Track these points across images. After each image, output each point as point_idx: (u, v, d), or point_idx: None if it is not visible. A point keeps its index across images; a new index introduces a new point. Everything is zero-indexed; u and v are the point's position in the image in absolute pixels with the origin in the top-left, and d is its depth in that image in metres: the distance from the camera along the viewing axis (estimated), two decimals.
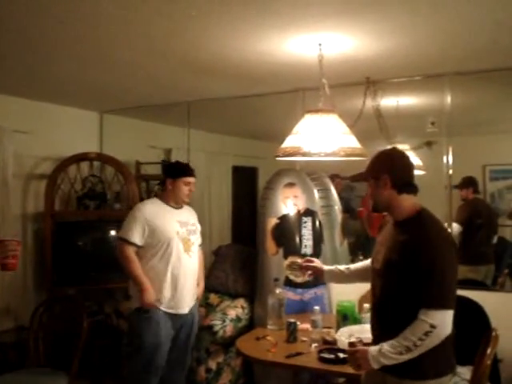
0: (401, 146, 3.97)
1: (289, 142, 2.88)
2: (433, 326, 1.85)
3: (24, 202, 4.48)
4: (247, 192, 6.35)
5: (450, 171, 3.85)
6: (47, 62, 3.34)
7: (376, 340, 2.11)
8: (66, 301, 3.86)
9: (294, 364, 2.80)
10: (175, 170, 3.28)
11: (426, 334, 1.86)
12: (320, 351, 2.77)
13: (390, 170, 2.08)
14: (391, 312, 2.03)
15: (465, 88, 3.81)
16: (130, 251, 3.12)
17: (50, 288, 4.36)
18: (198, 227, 3.41)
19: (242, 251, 4.47)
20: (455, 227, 4.08)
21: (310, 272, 2.67)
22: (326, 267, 2.61)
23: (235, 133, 5.93)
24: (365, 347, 2.01)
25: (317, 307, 3.22)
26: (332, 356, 2.69)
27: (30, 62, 3.31)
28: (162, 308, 3.14)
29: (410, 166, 2.15)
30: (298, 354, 2.82)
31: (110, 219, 4.70)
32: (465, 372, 2.89)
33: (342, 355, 2.65)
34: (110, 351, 4.37)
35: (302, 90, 3.96)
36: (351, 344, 2.06)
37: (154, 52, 3.13)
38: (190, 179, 3.25)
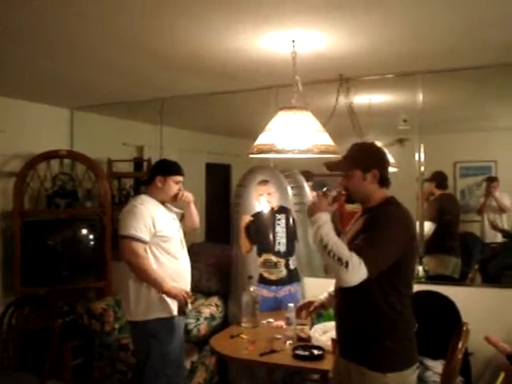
0: None
1: (262, 139, 2.86)
2: (347, 265, 1.84)
3: None
4: (220, 189, 6.33)
5: (422, 168, 3.91)
6: (15, 57, 3.25)
7: (339, 330, 2.16)
8: (35, 301, 3.76)
9: (269, 362, 2.78)
10: (166, 168, 3.11)
11: (339, 260, 1.85)
12: (294, 348, 2.77)
13: (380, 164, 2.11)
14: (352, 299, 2.03)
15: (436, 86, 3.86)
16: (139, 247, 2.85)
17: (18, 288, 4.27)
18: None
19: (216, 249, 4.45)
20: (427, 226, 4.12)
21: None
22: (323, 298, 2.58)
23: (208, 130, 5.90)
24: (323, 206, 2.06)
25: (291, 304, 3.23)
26: (306, 353, 2.68)
27: None
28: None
29: (389, 161, 2.21)
30: (273, 351, 2.80)
31: (82, 218, 4.63)
32: (437, 366, 2.94)
33: (316, 352, 2.66)
34: (83, 352, 4.30)
35: (276, 87, 3.95)
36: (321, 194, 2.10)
37: (126, 48, 3.07)
38: (180, 178, 3.11)
